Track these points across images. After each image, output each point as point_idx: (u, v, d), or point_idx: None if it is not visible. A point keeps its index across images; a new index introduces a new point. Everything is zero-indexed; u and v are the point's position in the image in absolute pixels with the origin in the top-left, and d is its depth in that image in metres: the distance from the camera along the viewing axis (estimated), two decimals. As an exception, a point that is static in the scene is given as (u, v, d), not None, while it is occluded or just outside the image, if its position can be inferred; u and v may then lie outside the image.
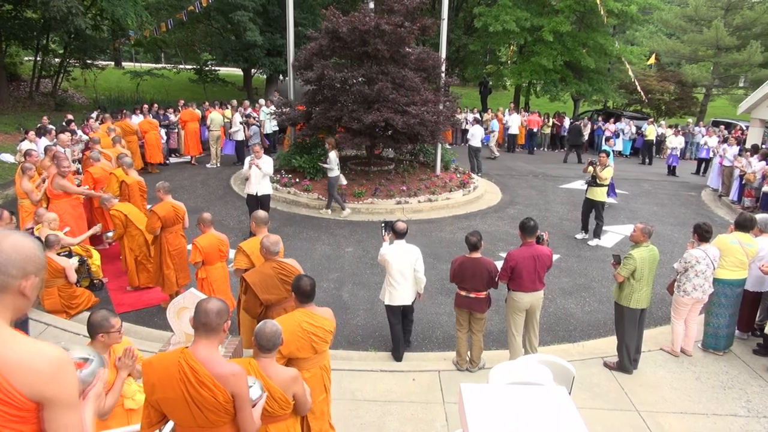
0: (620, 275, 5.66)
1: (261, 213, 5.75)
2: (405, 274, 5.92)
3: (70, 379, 1.72)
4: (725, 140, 15.97)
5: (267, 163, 9.62)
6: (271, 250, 4.84)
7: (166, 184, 7.05)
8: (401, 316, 6.17)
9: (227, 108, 17.06)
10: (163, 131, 15.45)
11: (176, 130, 16.56)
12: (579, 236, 10.55)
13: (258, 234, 5.58)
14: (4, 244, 1.71)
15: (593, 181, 10.04)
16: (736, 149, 14.00)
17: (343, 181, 11.33)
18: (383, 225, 6.20)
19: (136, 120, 14.82)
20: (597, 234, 10.30)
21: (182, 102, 17.51)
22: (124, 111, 15.52)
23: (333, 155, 10.88)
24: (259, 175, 9.51)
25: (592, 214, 10.31)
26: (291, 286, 4.11)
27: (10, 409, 1.62)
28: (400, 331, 6.13)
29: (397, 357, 6.11)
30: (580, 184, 15.09)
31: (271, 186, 10.04)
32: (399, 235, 5.93)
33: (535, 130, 20.68)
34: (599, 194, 10.11)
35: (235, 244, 6.00)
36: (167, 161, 15.72)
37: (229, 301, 6.32)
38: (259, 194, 9.60)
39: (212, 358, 2.65)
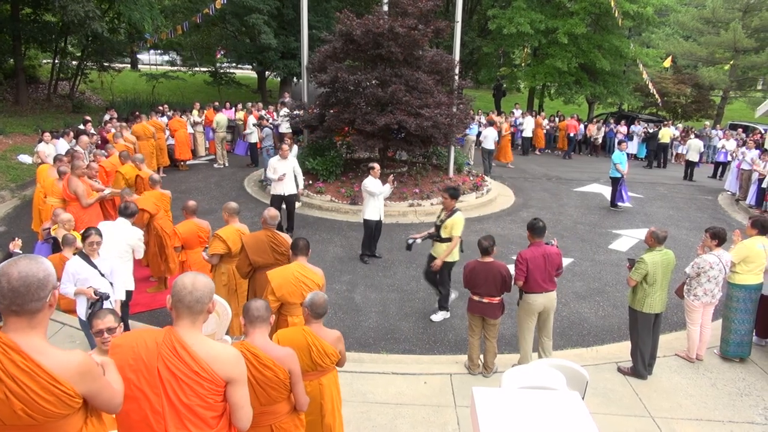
0: (632, 279, 5.65)
1: (232, 204, 6.38)
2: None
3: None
4: (743, 143, 15.75)
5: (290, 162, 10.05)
6: (268, 222, 5.73)
7: (156, 177, 8.16)
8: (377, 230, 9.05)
9: (250, 110, 17.25)
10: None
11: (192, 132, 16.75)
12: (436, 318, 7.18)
13: (230, 223, 6.21)
14: (199, 284, 2.54)
15: (437, 234, 6.94)
16: (755, 152, 13.78)
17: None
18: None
19: (162, 120, 15.27)
20: (441, 305, 7.16)
21: (198, 105, 17.68)
22: (153, 112, 15.83)
23: (296, 149, 11.76)
24: (290, 175, 9.89)
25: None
26: (290, 247, 4.99)
27: (212, 385, 2.50)
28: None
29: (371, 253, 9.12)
30: (594, 187, 15.00)
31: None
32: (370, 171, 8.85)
33: (572, 134, 20.42)
34: (443, 252, 6.83)
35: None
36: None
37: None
38: (286, 194, 9.90)
39: (268, 344, 3.27)
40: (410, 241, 7.28)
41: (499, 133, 17.47)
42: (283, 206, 9.90)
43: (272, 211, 5.80)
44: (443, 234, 6.85)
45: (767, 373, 5.94)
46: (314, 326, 3.79)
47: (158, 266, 7.71)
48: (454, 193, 6.97)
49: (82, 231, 5.36)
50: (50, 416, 2.10)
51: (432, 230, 7.09)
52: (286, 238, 5.72)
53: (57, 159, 9.21)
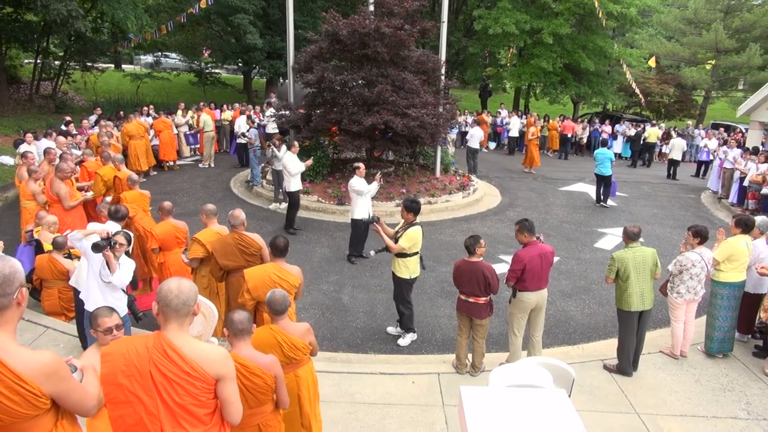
0: (607, 277, 5.84)
1: (210, 206, 6.31)
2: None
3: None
4: (725, 143, 15.96)
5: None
6: (230, 222, 5.75)
7: (135, 176, 8.23)
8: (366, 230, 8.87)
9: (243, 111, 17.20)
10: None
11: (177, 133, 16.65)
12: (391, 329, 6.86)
13: (208, 225, 6.14)
14: (184, 287, 2.63)
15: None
16: (737, 152, 13.96)
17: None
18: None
19: (146, 120, 15.12)
20: (407, 326, 6.56)
21: (183, 105, 17.55)
22: (138, 113, 15.75)
23: (284, 149, 11.71)
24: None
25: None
26: (270, 246, 5.01)
27: (204, 384, 2.60)
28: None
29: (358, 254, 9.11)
30: (580, 186, 15.12)
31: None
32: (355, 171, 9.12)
33: (569, 135, 20.50)
34: (403, 269, 6.32)
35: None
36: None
37: None
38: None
39: (253, 354, 3.42)
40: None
41: (520, 137, 17.60)
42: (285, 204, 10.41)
43: (235, 212, 5.79)
44: (406, 248, 6.24)
45: (749, 369, 6.03)
46: (281, 323, 3.91)
47: (141, 268, 7.64)
48: (410, 206, 6.23)
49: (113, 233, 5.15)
50: (16, 416, 2.08)
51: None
52: (255, 238, 5.71)
53: (23, 156, 9.02)
